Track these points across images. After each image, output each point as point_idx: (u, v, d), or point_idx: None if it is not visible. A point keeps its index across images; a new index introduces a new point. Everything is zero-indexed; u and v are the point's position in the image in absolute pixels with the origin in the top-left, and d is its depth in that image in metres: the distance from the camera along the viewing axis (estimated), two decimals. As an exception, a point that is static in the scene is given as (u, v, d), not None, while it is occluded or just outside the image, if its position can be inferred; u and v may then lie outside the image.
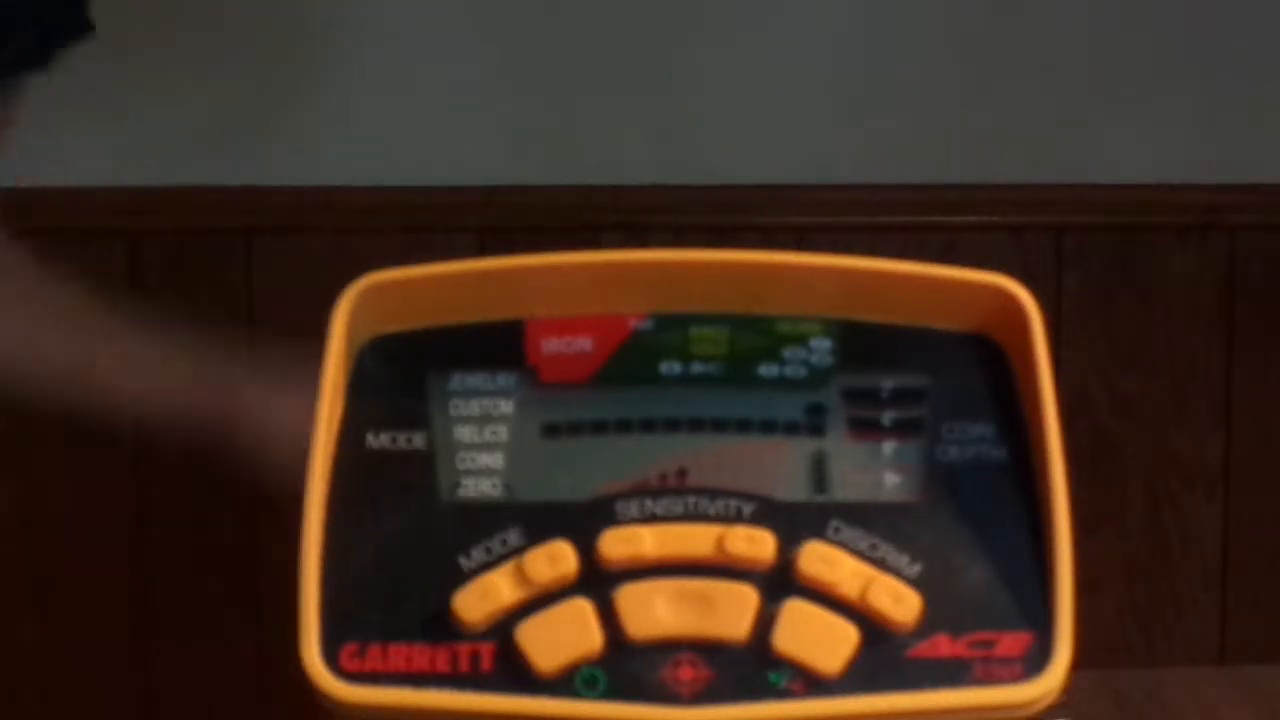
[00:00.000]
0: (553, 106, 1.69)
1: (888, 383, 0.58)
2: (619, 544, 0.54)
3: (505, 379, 0.58)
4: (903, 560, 0.54)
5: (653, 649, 0.53)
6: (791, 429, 0.57)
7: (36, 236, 1.66)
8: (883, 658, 0.53)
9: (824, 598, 0.53)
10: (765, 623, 0.53)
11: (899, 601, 0.53)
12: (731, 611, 0.53)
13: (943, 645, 0.53)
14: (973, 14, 1.70)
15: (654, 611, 0.53)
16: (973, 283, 0.59)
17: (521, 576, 0.53)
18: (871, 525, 0.55)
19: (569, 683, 0.52)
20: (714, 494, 0.55)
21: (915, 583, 0.54)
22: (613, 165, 1.69)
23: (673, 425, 0.57)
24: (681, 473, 0.56)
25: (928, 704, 0.52)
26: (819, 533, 0.54)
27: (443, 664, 0.53)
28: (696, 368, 0.58)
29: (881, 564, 0.54)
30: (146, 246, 1.66)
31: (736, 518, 0.55)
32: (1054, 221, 1.72)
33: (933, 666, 0.53)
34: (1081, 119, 1.71)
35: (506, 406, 0.58)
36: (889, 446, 0.57)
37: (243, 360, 1.12)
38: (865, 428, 0.57)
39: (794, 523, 0.55)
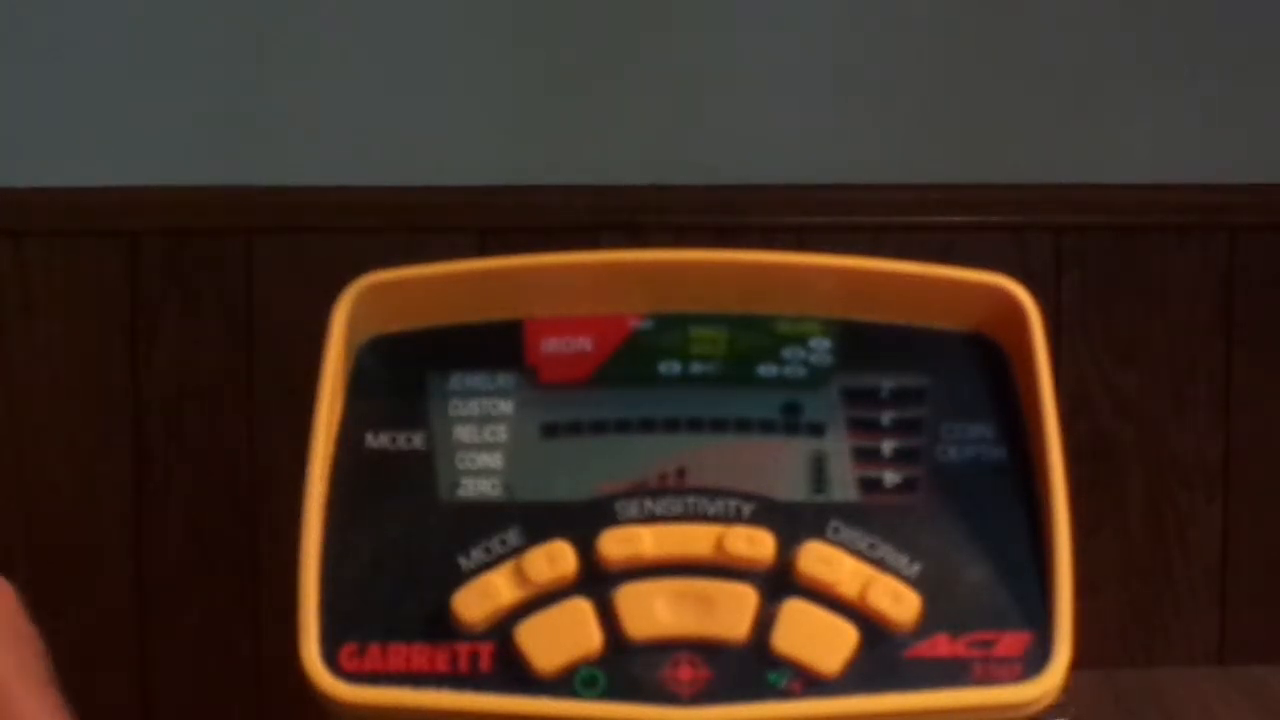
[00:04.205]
0: (553, 106, 1.69)
1: (887, 383, 0.58)
2: (618, 544, 0.54)
3: (505, 379, 0.58)
4: (902, 560, 0.54)
5: (652, 649, 0.53)
6: (791, 429, 0.57)
7: (36, 236, 1.66)
8: (882, 658, 0.53)
9: (823, 598, 0.53)
10: (765, 623, 0.53)
11: (898, 601, 0.53)
12: (731, 611, 0.53)
13: (942, 645, 0.53)
14: (973, 13, 1.70)
15: (653, 611, 0.53)
16: (973, 283, 0.59)
17: (521, 576, 0.53)
18: (871, 525, 0.55)
19: (568, 683, 0.52)
20: (713, 494, 0.55)
21: (915, 583, 0.54)
22: (613, 165, 1.69)
23: (672, 425, 0.57)
24: (681, 473, 0.56)
25: (927, 704, 0.52)
26: (818, 533, 0.54)
27: (442, 664, 0.53)
28: (696, 368, 0.58)
29: (881, 564, 0.54)
30: (146, 246, 1.66)
31: (736, 518, 0.55)
32: (1054, 221, 1.72)
33: (932, 666, 0.53)
34: (1081, 119, 1.71)
35: (506, 406, 0.58)
36: (889, 446, 0.57)
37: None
38: (865, 428, 0.57)
39: (793, 523, 0.55)
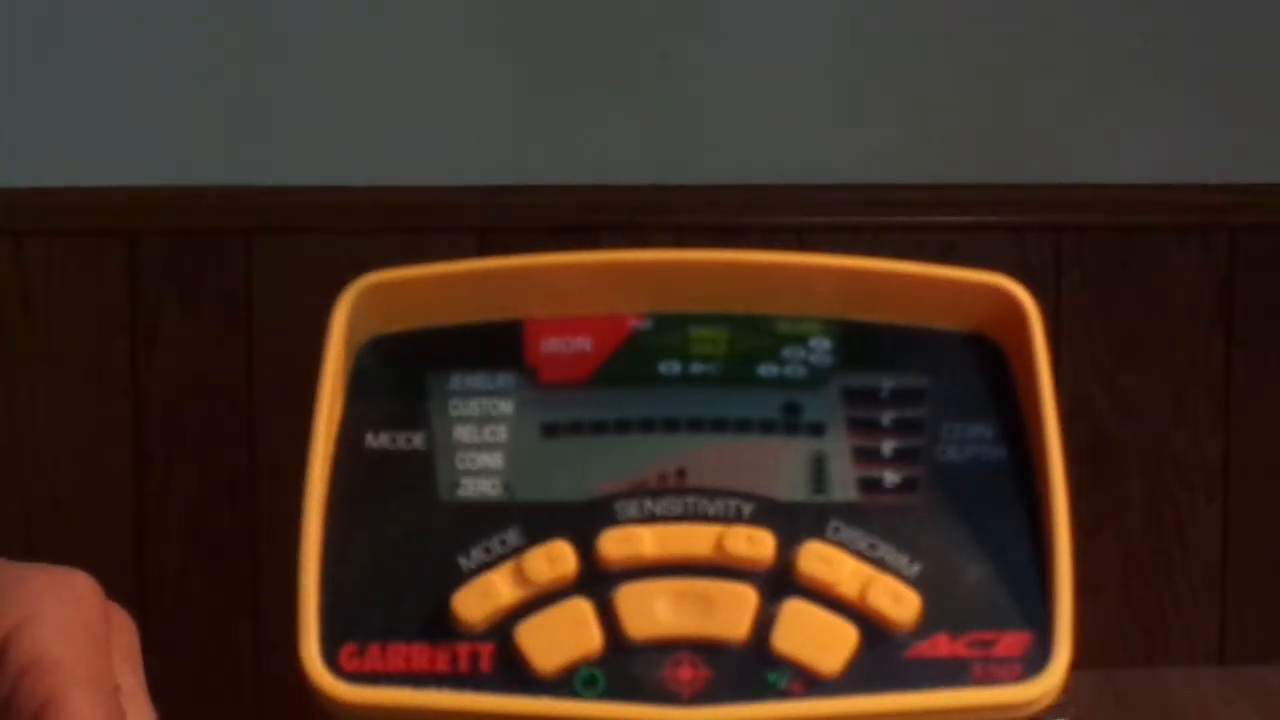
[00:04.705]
0: (553, 106, 1.69)
1: (887, 383, 0.58)
2: (618, 544, 0.54)
3: (504, 379, 0.58)
4: (902, 560, 0.54)
5: (652, 649, 0.53)
6: (791, 429, 0.57)
7: (36, 236, 1.66)
8: (882, 658, 0.53)
9: (823, 598, 0.53)
10: (765, 623, 0.53)
11: (898, 601, 0.53)
12: (731, 611, 0.53)
13: (942, 645, 0.53)
14: (973, 13, 1.70)
15: (653, 611, 0.53)
16: (973, 283, 0.58)
17: (521, 576, 0.53)
18: (871, 525, 0.55)
19: (568, 683, 0.52)
20: (713, 494, 0.55)
21: (915, 583, 0.54)
22: (613, 165, 1.69)
23: (672, 425, 0.57)
24: (681, 473, 0.56)
25: (927, 704, 0.52)
26: (818, 533, 0.54)
27: (442, 664, 0.53)
28: (696, 368, 0.58)
29: (881, 564, 0.54)
30: (146, 246, 1.66)
31: (736, 518, 0.55)
32: (1054, 221, 1.72)
33: (932, 666, 0.53)
34: (1081, 119, 1.72)
35: (506, 406, 0.58)
36: (889, 446, 0.57)
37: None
38: (865, 428, 0.57)
39: (793, 523, 0.54)
